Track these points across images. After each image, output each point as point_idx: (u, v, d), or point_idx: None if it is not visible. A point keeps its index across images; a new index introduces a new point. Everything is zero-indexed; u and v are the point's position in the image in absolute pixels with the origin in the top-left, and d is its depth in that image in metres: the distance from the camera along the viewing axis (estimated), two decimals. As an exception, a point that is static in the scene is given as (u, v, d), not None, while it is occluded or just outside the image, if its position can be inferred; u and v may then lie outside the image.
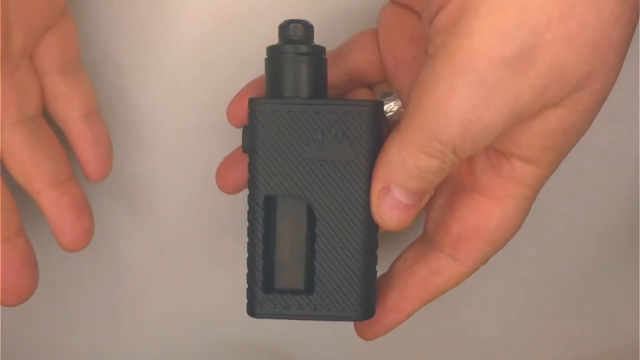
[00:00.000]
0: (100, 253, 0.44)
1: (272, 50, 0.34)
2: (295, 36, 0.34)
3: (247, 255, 0.34)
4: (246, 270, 0.35)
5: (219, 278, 0.45)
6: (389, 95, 0.38)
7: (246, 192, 0.35)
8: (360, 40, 0.38)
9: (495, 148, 0.33)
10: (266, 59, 0.35)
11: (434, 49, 0.31)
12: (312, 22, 0.35)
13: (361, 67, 0.38)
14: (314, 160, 0.33)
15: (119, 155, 0.41)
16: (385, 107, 0.38)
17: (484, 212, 0.34)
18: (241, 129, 0.35)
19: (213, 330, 0.47)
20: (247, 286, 0.35)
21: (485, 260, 0.35)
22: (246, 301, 0.35)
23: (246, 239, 0.35)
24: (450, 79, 0.30)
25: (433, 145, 0.30)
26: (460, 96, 0.30)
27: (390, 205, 0.32)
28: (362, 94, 0.38)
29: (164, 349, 0.47)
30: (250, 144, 0.33)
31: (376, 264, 0.35)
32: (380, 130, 0.34)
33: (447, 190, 0.36)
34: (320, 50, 0.34)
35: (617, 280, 0.47)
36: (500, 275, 0.45)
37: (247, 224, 0.35)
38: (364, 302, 0.34)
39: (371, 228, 0.34)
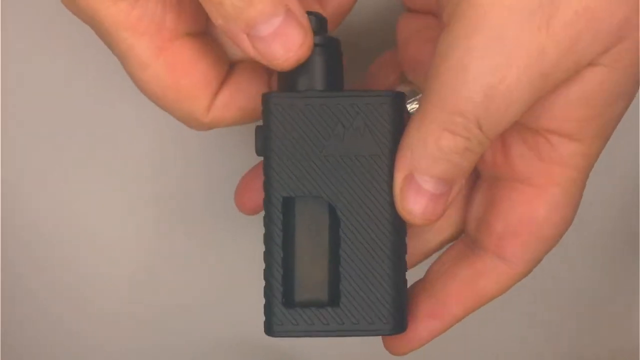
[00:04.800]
0: (100, 251, 0.44)
1: None
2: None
3: (263, 266, 0.31)
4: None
5: (218, 276, 0.45)
6: (415, 94, 0.35)
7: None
8: (384, 62, 0.37)
9: (529, 127, 0.30)
10: None
11: (447, 16, 0.28)
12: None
13: (389, 88, 0.36)
14: (335, 156, 0.31)
15: (117, 153, 0.41)
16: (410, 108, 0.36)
17: (528, 204, 0.31)
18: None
19: (212, 328, 0.47)
20: (264, 301, 0.31)
21: (538, 259, 0.32)
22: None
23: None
24: (465, 40, 0.27)
25: (455, 121, 0.27)
26: (478, 57, 0.27)
27: (416, 196, 0.29)
28: None
29: (164, 348, 0.47)
30: (265, 144, 0.31)
31: (406, 269, 0.32)
32: (404, 122, 0.31)
33: (485, 185, 0.33)
34: (335, 41, 0.32)
35: (617, 280, 0.47)
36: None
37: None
38: (396, 313, 0.31)
39: (400, 228, 0.31)
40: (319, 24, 0.31)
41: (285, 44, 0.29)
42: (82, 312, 0.46)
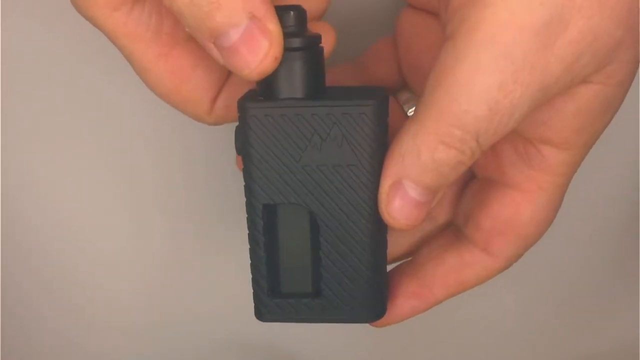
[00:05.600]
0: (105, 251, 0.44)
1: None
2: (286, 27, 0.29)
3: (250, 262, 0.33)
4: (247, 271, 0.33)
5: (219, 278, 0.45)
6: (415, 99, 0.36)
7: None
8: (377, 51, 0.37)
9: (525, 136, 0.31)
10: None
11: (452, 28, 0.28)
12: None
13: (382, 79, 0.36)
14: (313, 166, 0.30)
15: (118, 154, 0.41)
16: (410, 112, 0.36)
17: (515, 206, 0.33)
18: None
19: (214, 329, 0.47)
20: (252, 291, 0.33)
21: (519, 256, 0.34)
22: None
23: (244, 238, 0.33)
24: (474, 55, 0.27)
25: (453, 134, 0.28)
26: (485, 73, 0.27)
27: (401, 202, 0.30)
28: None
29: (165, 348, 0.47)
30: (243, 149, 0.31)
31: (386, 263, 0.33)
32: (385, 130, 0.31)
33: (476, 185, 0.35)
34: (316, 40, 0.31)
35: (617, 280, 0.47)
36: (499, 274, 0.45)
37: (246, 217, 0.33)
38: (374, 304, 0.32)
39: (379, 232, 0.32)
40: (298, 19, 0.30)
41: (249, 54, 0.28)
42: (82, 312, 0.46)
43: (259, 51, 0.28)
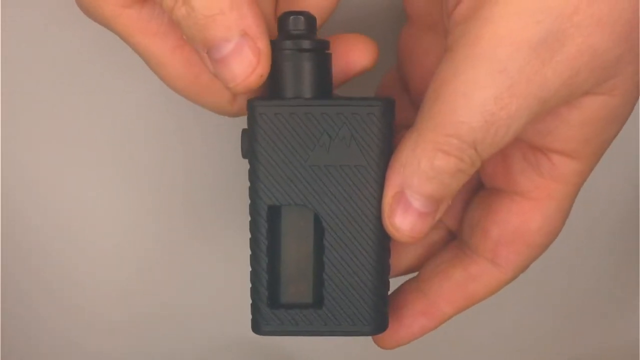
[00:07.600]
0: (105, 251, 0.44)
1: (271, 46, 0.31)
2: (295, 30, 0.31)
3: (250, 269, 0.32)
4: (247, 270, 0.33)
5: (217, 277, 0.45)
6: None
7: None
8: (387, 89, 0.37)
9: (533, 145, 0.32)
10: None
11: (452, 41, 0.29)
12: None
13: (400, 119, 0.36)
14: (321, 166, 0.31)
15: (119, 154, 0.41)
16: None
17: (524, 215, 0.32)
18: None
19: (214, 329, 0.47)
20: (250, 301, 0.32)
21: (526, 266, 0.34)
22: (244, 300, 0.33)
23: (242, 236, 0.33)
24: (471, 69, 0.28)
25: (451, 142, 0.28)
26: (482, 87, 0.28)
27: (404, 213, 0.30)
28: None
29: (164, 348, 0.47)
30: (250, 149, 0.31)
31: (389, 274, 0.33)
32: (392, 131, 0.31)
33: (483, 193, 0.34)
34: (324, 44, 0.32)
35: (617, 280, 0.47)
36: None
37: (245, 220, 0.33)
38: (376, 316, 0.32)
39: (383, 237, 0.31)
40: (307, 25, 0.31)
41: (237, 69, 0.29)
42: (82, 312, 0.46)
43: (246, 67, 0.29)
